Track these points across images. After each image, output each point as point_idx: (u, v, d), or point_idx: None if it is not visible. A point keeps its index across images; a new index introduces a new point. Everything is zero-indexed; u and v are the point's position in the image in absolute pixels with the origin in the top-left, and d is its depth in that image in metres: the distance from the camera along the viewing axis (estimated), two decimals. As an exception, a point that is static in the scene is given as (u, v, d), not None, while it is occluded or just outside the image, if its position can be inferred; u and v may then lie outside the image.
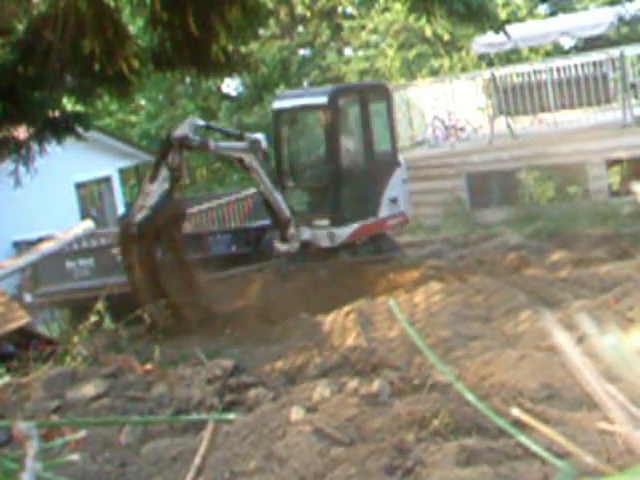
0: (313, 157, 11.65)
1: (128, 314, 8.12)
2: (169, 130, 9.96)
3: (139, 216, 8.84)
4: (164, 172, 9.01)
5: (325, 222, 10.47)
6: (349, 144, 11.06)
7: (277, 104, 11.28)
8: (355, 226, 10.54)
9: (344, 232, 10.44)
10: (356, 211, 10.70)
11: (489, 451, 3.26)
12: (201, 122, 10.45)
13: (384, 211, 10.88)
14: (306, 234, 10.40)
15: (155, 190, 8.95)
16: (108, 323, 9.97)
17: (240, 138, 10.28)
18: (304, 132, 11.80)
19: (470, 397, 0.89)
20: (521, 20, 23.36)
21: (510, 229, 12.78)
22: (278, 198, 10.30)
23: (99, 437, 4.23)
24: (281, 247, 10.39)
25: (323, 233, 10.42)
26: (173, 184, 9.11)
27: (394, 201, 10.99)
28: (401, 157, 11.68)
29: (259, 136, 10.23)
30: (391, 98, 11.79)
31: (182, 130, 9.32)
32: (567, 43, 23.59)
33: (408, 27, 24.88)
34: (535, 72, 15.81)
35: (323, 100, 10.65)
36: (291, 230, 10.30)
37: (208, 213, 18.07)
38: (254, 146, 9.99)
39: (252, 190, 18.76)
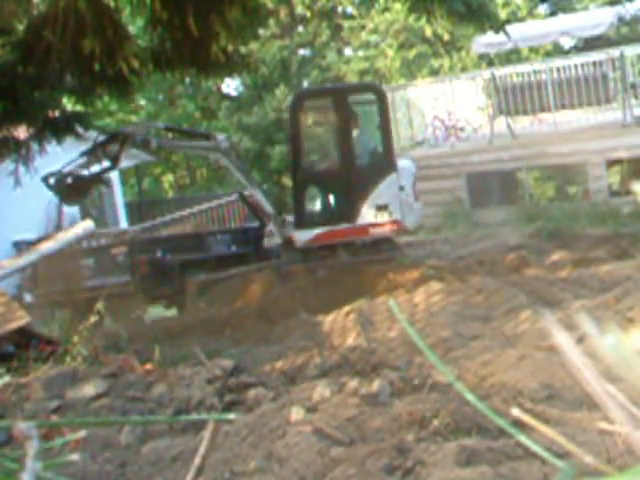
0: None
1: (128, 314, 8.14)
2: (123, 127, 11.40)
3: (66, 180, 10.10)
4: (100, 155, 10.13)
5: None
6: (317, 148, 11.08)
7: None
8: (317, 231, 10.49)
9: (304, 236, 10.52)
10: (322, 216, 10.66)
11: (489, 451, 3.26)
12: (161, 124, 11.78)
13: (367, 218, 10.48)
14: (290, 232, 10.70)
15: (82, 163, 10.10)
16: (108, 323, 9.98)
17: (207, 138, 10.86)
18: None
19: (470, 397, 0.89)
20: (521, 20, 23.37)
21: (510, 229, 12.77)
22: (256, 195, 10.72)
23: (99, 437, 4.23)
24: (265, 242, 10.82)
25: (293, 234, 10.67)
26: (104, 169, 10.30)
27: (383, 208, 10.51)
28: (407, 163, 11.23)
29: (220, 137, 10.82)
30: (383, 100, 10.99)
31: (132, 128, 10.69)
32: (567, 43, 23.61)
33: (408, 27, 24.88)
34: (535, 72, 15.81)
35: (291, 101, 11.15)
36: (269, 226, 10.66)
37: (208, 213, 18.08)
38: (218, 145, 10.45)
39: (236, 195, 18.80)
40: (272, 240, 10.68)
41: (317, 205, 10.83)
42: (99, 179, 10.59)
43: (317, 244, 10.57)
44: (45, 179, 10.04)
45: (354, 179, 10.55)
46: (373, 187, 10.52)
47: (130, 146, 10.37)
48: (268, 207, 10.67)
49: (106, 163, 10.18)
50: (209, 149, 10.66)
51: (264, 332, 8.19)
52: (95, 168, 10.22)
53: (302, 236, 10.51)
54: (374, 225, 10.54)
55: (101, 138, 10.41)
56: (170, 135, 11.56)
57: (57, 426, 3.55)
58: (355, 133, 10.79)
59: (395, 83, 21.52)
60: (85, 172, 10.15)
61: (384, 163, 10.71)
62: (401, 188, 10.61)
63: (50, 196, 10.42)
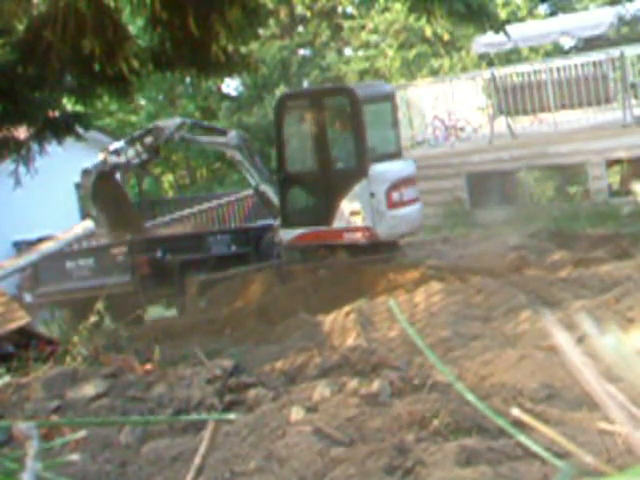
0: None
1: (128, 314, 8.14)
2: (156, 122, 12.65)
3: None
4: (139, 148, 11.30)
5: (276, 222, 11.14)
6: (300, 150, 11.14)
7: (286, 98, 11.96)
8: (300, 231, 10.61)
9: (288, 234, 10.72)
10: (305, 217, 10.75)
11: (489, 451, 3.26)
12: (188, 120, 12.43)
13: (340, 222, 10.33)
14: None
15: (128, 155, 11.32)
16: (108, 323, 9.98)
17: (223, 134, 11.62)
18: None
19: (470, 397, 0.89)
20: (521, 20, 23.37)
21: (510, 229, 12.77)
22: (268, 191, 11.04)
23: (99, 437, 4.23)
24: (274, 237, 11.21)
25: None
26: (147, 159, 11.50)
27: (356, 213, 10.28)
28: (383, 167, 10.49)
29: (233, 133, 11.62)
30: (355, 105, 10.46)
31: (165, 122, 11.74)
32: (567, 43, 23.59)
33: (408, 27, 24.88)
34: (535, 72, 15.80)
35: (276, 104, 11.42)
36: (276, 222, 11.11)
37: (208, 213, 18.08)
38: (234, 141, 11.12)
39: (250, 188, 18.78)
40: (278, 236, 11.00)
41: (298, 206, 10.93)
42: (144, 167, 12.25)
43: (298, 244, 10.70)
44: (86, 172, 11.27)
45: (331, 183, 10.44)
46: (347, 191, 10.30)
47: (163, 138, 11.39)
48: (277, 204, 10.98)
49: (144, 155, 11.38)
50: (224, 145, 11.39)
51: (264, 332, 8.19)
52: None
53: (286, 235, 10.74)
54: (348, 230, 10.33)
55: (138, 132, 11.85)
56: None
57: (57, 426, 3.55)
58: (332, 136, 10.85)
59: (395, 83, 21.51)
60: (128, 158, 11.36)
61: (356, 168, 10.40)
62: (372, 195, 10.23)
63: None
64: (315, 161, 10.88)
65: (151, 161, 11.96)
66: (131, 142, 11.36)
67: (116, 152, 11.28)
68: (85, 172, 11.30)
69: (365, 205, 10.22)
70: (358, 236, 10.31)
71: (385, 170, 10.47)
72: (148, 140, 11.26)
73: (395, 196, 10.39)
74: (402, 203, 10.50)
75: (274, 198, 11.00)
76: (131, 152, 11.25)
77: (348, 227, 10.28)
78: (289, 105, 11.12)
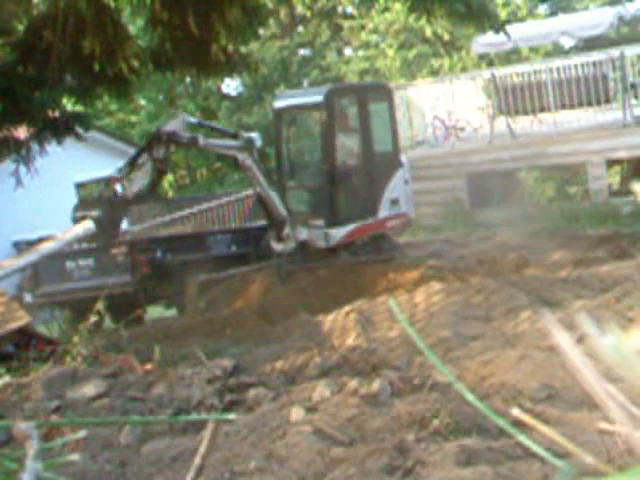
0: (311, 157, 11.66)
1: (128, 314, 8.13)
2: (159, 125, 10.28)
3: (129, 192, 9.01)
4: (148, 165, 9.11)
5: (321, 222, 10.44)
6: (346, 144, 11.03)
7: (277, 104, 11.28)
8: (351, 227, 10.53)
9: (339, 233, 10.43)
10: (353, 212, 10.69)
11: (489, 451, 3.26)
12: (193, 120, 10.65)
13: (384, 212, 10.86)
14: (303, 234, 10.37)
15: (139, 177, 9.06)
16: (108, 323, 9.98)
17: (234, 137, 10.40)
18: (303, 132, 11.80)
19: (470, 397, 0.89)
20: (521, 20, 23.37)
21: (510, 229, 12.77)
22: (273, 197, 10.26)
23: (99, 437, 4.23)
24: (276, 247, 10.34)
25: (319, 233, 10.40)
26: (156, 178, 9.28)
27: (395, 202, 10.98)
28: (404, 157, 11.71)
29: (253, 135, 10.34)
30: (392, 98, 11.75)
31: (172, 125, 9.57)
32: (567, 43, 23.59)
33: (408, 27, 24.88)
34: (535, 72, 15.80)
35: (319, 99, 10.66)
36: (286, 230, 10.23)
37: (208, 213, 18.08)
38: (248, 145, 10.06)
39: (252, 190, 18.78)
40: (288, 244, 10.26)
41: (348, 202, 10.82)
42: (155, 194, 9.94)
43: (351, 239, 10.62)
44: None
45: (375, 174, 10.87)
46: (388, 182, 10.97)
47: (175, 146, 9.80)
48: (282, 210, 10.25)
49: (152, 167, 9.16)
50: (237, 149, 10.21)
51: (264, 332, 8.18)
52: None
53: (336, 234, 10.39)
54: (389, 218, 10.99)
55: (141, 145, 9.54)
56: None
57: (57, 426, 3.55)
58: (372, 129, 11.03)
59: (395, 83, 21.52)
60: (140, 186, 9.06)
61: (394, 159, 11.24)
62: (406, 182, 11.26)
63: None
64: (360, 155, 10.98)
65: (160, 180, 9.74)
66: (136, 158, 9.29)
67: (119, 180, 9.03)
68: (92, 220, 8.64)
69: (401, 193, 11.18)
70: (398, 223, 11.19)
71: (406, 159, 11.73)
72: (158, 152, 9.13)
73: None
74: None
75: (279, 205, 10.31)
76: (139, 176, 9.08)
77: (389, 215, 10.98)
78: (336, 101, 10.87)
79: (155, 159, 9.11)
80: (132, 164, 9.16)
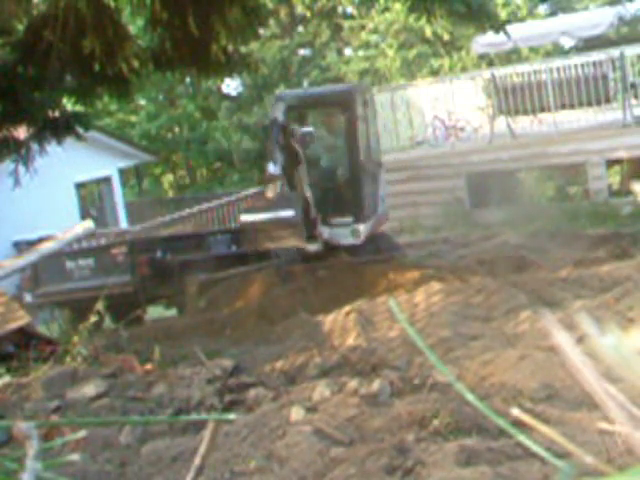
0: (330, 155, 11.38)
1: (128, 314, 8.13)
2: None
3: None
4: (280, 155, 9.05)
5: (348, 219, 10.27)
6: (364, 141, 10.98)
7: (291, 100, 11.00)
8: (372, 222, 10.62)
9: (366, 228, 10.38)
10: (370, 207, 10.78)
11: (489, 451, 3.26)
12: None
13: (381, 208, 11.02)
14: (325, 233, 10.16)
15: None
16: (108, 323, 9.98)
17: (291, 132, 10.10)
18: (322, 129, 11.49)
19: (470, 397, 0.89)
20: (521, 20, 23.37)
21: (510, 229, 12.77)
22: (310, 196, 10.02)
23: (99, 437, 4.23)
24: (310, 247, 9.91)
25: (345, 231, 10.24)
26: (295, 164, 9.33)
27: (383, 199, 11.15)
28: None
29: (311, 130, 10.01)
30: (370, 99, 11.28)
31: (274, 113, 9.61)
32: (567, 43, 23.58)
33: (408, 27, 24.89)
34: (535, 72, 15.79)
35: (343, 96, 10.82)
36: (318, 229, 10.00)
37: (208, 213, 18.08)
38: (305, 140, 9.76)
39: (252, 190, 18.76)
40: (316, 244, 9.92)
41: (367, 198, 10.85)
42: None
43: (372, 233, 10.66)
44: None
45: (374, 172, 10.94)
46: (380, 180, 11.13)
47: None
48: (314, 209, 9.91)
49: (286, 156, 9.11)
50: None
51: (264, 332, 8.18)
52: None
53: (365, 229, 10.34)
54: (383, 215, 11.19)
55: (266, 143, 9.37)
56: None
57: (57, 426, 3.55)
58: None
59: (395, 83, 21.52)
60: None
61: (378, 157, 11.32)
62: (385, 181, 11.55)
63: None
64: (368, 153, 10.91)
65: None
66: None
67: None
68: None
69: (385, 190, 11.52)
70: (386, 220, 11.53)
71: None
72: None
73: None
74: None
75: (312, 203, 9.91)
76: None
77: (383, 212, 11.23)
78: (359, 96, 10.71)
79: (285, 147, 9.20)
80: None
